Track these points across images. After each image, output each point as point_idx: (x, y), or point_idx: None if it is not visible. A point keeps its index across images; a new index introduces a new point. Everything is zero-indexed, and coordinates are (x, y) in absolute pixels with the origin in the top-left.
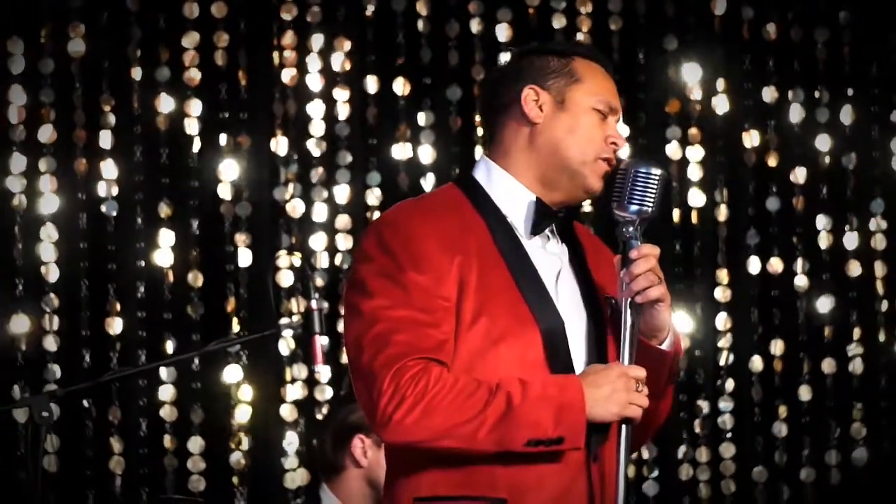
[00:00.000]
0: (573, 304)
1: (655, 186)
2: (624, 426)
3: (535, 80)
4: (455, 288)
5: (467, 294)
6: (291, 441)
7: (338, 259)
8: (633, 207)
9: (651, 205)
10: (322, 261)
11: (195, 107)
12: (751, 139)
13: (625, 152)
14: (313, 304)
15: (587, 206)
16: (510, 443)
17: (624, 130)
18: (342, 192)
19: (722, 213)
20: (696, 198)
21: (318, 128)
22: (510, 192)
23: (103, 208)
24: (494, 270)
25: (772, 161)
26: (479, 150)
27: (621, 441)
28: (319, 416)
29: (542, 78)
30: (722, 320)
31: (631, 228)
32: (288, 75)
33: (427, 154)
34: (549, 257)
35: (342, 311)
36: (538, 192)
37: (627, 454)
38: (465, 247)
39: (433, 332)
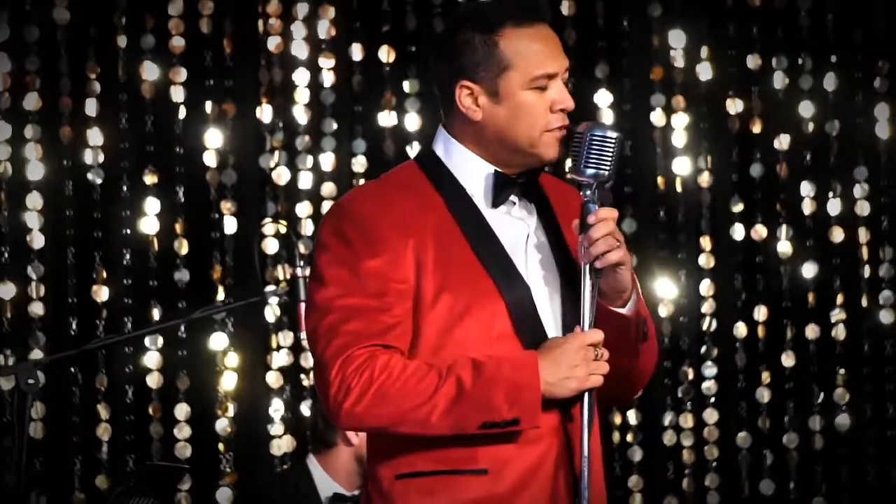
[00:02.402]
0: (545, 268)
1: (612, 150)
2: (586, 394)
3: (465, 73)
4: (412, 270)
5: (425, 274)
6: (277, 408)
7: None
8: (590, 171)
9: (608, 168)
10: (307, 228)
11: (180, 74)
12: (735, 106)
13: (607, 116)
14: (299, 271)
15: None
16: (465, 426)
17: (607, 98)
18: (328, 160)
19: (706, 179)
20: (680, 165)
21: (303, 95)
22: (468, 165)
23: (89, 176)
24: (454, 246)
25: (756, 128)
26: None
27: (584, 409)
28: (305, 383)
29: (471, 71)
30: (706, 287)
31: (588, 192)
32: (273, 43)
33: (412, 121)
34: (515, 224)
35: None
36: (496, 165)
37: (591, 421)
38: (421, 226)
39: (383, 318)
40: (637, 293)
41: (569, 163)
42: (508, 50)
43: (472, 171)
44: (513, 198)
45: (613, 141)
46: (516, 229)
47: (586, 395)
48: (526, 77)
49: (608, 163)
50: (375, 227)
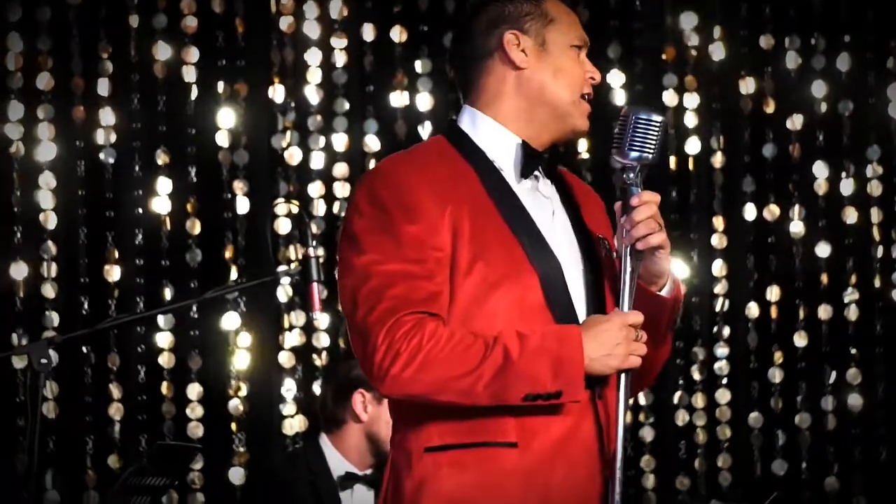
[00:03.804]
0: (568, 245)
1: (656, 133)
2: (623, 374)
3: (513, 24)
4: (449, 237)
5: (461, 242)
6: (289, 388)
7: (335, 207)
8: (634, 154)
9: (651, 151)
10: (319, 208)
11: (192, 54)
12: (747, 86)
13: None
14: (311, 251)
15: (584, 154)
16: (508, 397)
17: (620, 78)
18: (339, 140)
19: (718, 160)
20: (693, 145)
21: (315, 75)
22: (496, 137)
23: (101, 156)
24: (487, 217)
25: (768, 108)
26: None
27: (620, 389)
28: (318, 363)
29: (519, 22)
30: (718, 267)
31: (632, 175)
32: (285, 23)
33: (424, 101)
34: (542, 200)
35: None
36: (525, 136)
37: (626, 401)
38: (456, 195)
39: (426, 285)
40: (674, 278)
41: (611, 145)
42: (552, 9)
43: (499, 143)
44: (537, 173)
45: (658, 124)
46: (542, 205)
47: (623, 375)
48: (568, 35)
49: (652, 146)
50: (412, 193)
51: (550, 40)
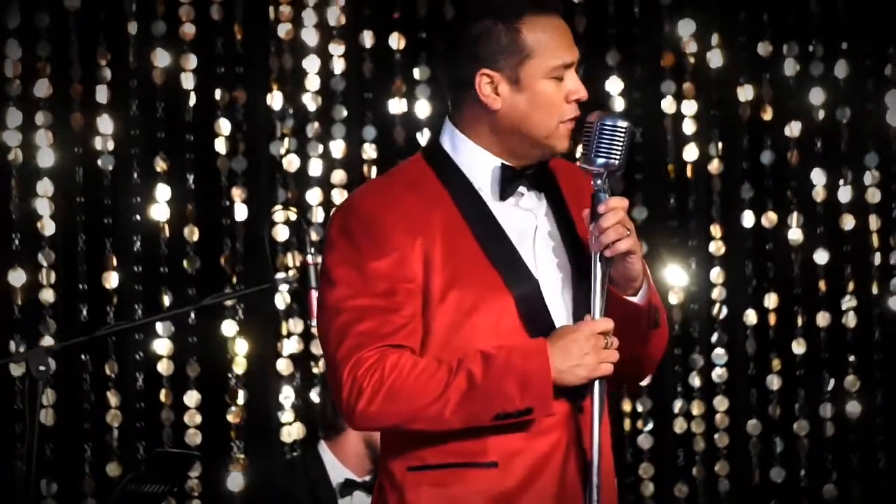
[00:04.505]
0: (555, 258)
1: (622, 139)
2: (597, 382)
3: (486, 62)
4: (420, 267)
5: (433, 271)
6: (287, 395)
7: None
8: (600, 160)
9: (618, 157)
10: (318, 215)
11: (191, 61)
12: (745, 93)
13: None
14: (309, 258)
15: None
16: (478, 419)
17: (618, 85)
18: (338, 147)
19: (716, 166)
20: (691, 152)
21: (313, 82)
22: (476, 159)
23: (99, 163)
24: (462, 242)
25: (766, 115)
26: None
27: (594, 398)
28: (316, 371)
29: (493, 59)
30: (716, 274)
31: (599, 181)
32: (283, 29)
33: (423, 108)
34: (524, 216)
35: None
36: (504, 159)
37: (601, 410)
38: (428, 224)
39: (393, 318)
40: (648, 281)
41: (579, 151)
42: (530, 38)
43: (478, 164)
44: (521, 189)
45: (624, 130)
46: (524, 221)
47: (597, 383)
48: (546, 66)
49: (619, 152)
50: (382, 226)
51: (525, 76)
